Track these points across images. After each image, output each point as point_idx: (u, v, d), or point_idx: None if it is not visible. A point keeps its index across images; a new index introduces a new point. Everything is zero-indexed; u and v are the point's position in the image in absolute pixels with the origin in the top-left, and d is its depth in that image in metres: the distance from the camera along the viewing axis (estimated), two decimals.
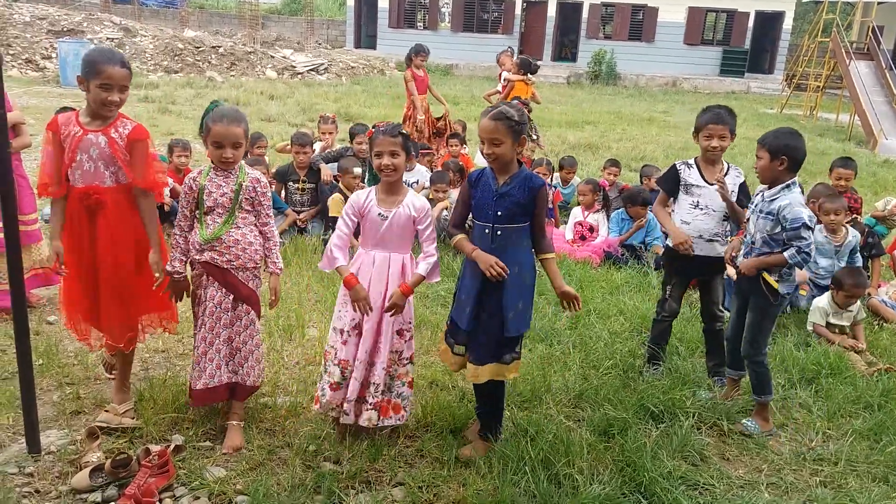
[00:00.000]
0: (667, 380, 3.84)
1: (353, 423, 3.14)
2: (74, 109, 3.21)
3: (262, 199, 3.13)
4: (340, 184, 6.25)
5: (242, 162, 3.15)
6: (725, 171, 3.77)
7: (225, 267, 3.06)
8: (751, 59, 26.45)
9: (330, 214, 6.05)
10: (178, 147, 6.37)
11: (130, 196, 3.09)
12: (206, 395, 3.12)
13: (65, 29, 18.96)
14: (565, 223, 6.89)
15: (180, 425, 3.22)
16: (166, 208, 5.89)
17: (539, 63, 11.04)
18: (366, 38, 29.72)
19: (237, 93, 15.30)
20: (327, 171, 6.57)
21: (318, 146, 7.23)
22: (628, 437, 3.22)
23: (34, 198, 4.37)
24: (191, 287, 3.18)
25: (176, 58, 19.15)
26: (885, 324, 5.02)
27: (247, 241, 3.10)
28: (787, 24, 26.17)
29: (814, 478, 3.17)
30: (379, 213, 3.05)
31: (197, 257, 3.08)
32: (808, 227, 3.26)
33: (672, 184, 3.87)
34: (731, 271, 3.97)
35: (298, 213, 6.44)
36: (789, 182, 3.35)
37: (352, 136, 7.20)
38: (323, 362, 3.23)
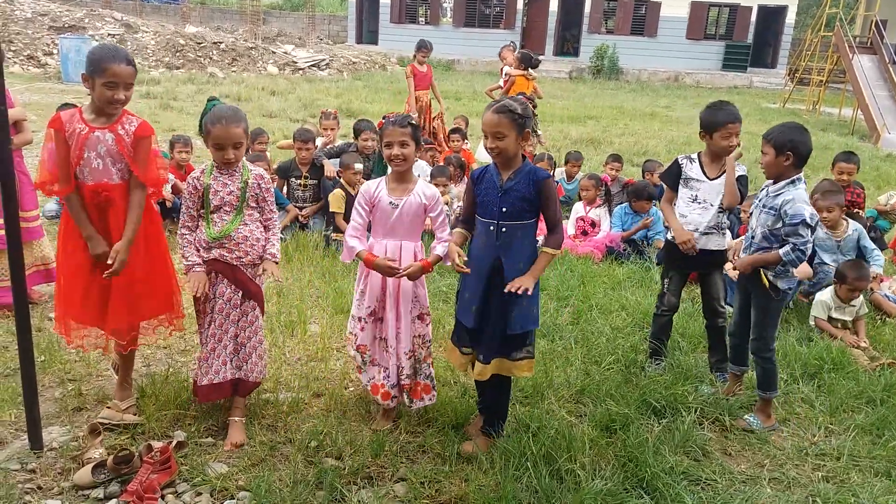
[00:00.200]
0: (669, 375, 3.84)
1: (394, 408, 3.30)
2: (76, 106, 3.18)
3: (265, 196, 3.16)
4: (341, 179, 6.25)
5: (244, 159, 3.15)
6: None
7: (234, 264, 3.08)
8: (753, 54, 26.37)
9: (331, 210, 6.05)
10: (180, 143, 6.37)
11: None
12: (211, 392, 3.13)
13: (66, 25, 18.94)
14: (567, 218, 6.88)
15: (182, 421, 3.23)
16: (168, 204, 5.90)
17: (541, 58, 11.01)
18: (367, 33, 29.68)
19: (238, 88, 15.29)
20: (331, 166, 6.56)
21: (319, 142, 7.21)
22: (630, 433, 3.22)
23: (35, 194, 4.37)
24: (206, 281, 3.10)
25: (177, 54, 19.15)
26: (887, 318, 5.02)
27: (255, 237, 3.12)
28: (790, 18, 26.10)
29: (816, 473, 3.17)
30: (390, 202, 3.10)
31: (204, 255, 3.08)
32: (808, 226, 3.23)
33: (674, 178, 3.86)
34: (732, 272, 3.96)
35: (301, 209, 6.44)
36: (794, 178, 3.34)
37: (356, 132, 7.10)
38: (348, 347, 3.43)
